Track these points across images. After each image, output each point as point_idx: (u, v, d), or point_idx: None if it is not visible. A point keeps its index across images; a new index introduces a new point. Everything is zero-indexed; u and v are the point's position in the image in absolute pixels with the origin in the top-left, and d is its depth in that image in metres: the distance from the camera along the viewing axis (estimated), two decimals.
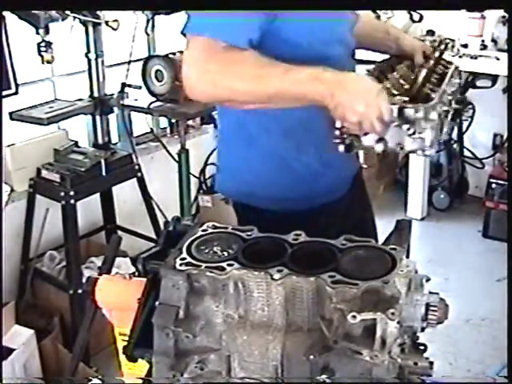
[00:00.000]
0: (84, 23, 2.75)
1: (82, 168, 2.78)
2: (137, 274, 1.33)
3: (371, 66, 1.74)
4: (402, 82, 1.61)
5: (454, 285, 3.49)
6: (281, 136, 1.61)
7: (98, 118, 2.95)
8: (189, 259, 1.19)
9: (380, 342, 1.07)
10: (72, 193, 2.73)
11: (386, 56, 2.08)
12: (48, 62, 2.59)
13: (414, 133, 1.32)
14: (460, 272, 3.60)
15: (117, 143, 3.22)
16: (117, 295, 1.34)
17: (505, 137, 4.07)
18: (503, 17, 3.90)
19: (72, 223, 2.76)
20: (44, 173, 2.84)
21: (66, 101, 2.95)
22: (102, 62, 2.89)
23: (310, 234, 1.25)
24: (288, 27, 1.48)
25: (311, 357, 1.10)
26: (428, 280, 1.14)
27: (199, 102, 3.26)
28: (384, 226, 1.76)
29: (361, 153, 1.46)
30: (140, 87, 3.04)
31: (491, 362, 2.90)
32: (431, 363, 1.14)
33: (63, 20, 2.59)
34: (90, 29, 2.77)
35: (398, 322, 1.07)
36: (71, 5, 2.46)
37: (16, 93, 2.81)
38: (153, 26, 3.22)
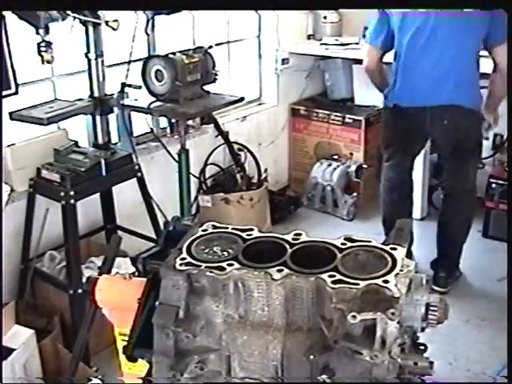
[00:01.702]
0: (84, 23, 2.74)
1: (82, 168, 2.78)
2: (137, 273, 1.33)
3: None
4: None
5: (453, 284, 3.49)
6: None
7: (98, 117, 2.95)
8: (189, 259, 1.19)
9: (380, 342, 1.07)
10: (72, 193, 2.73)
11: None
12: (48, 62, 2.58)
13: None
14: (461, 275, 3.60)
15: (117, 143, 3.22)
16: (117, 295, 1.34)
17: (505, 137, 4.07)
18: None
19: (72, 223, 2.76)
20: (44, 173, 2.84)
21: (66, 101, 2.95)
22: (102, 62, 2.88)
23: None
24: None
25: (311, 357, 1.10)
26: (428, 280, 1.14)
27: (199, 102, 3.36)
28: None
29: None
30: (140, 87, 3.04)
31: (491, 361, 2.90)
32: (431, 363, 1.14)
33: (63, 20, 2.58)
34: (90, 29, 2.77)
35: (398, 322, 1.07)
36: (71, 5, 2.46)
37: (16, 93, 2.81)
38: (153, 26, 3.22)
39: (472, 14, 2.99)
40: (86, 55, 2.85)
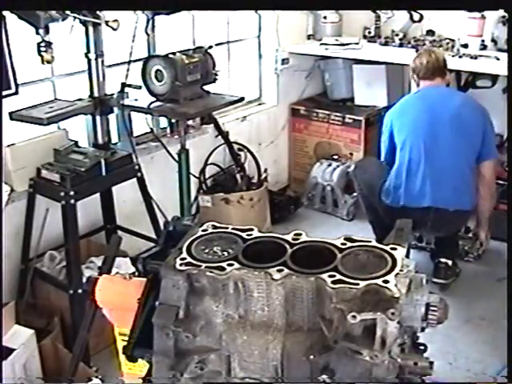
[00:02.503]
0: (84, 23, 2.74)
1: (82, 168, 2.78)
2: (137, 273, 1.33)
3: None
4: None
5: (453, 285, 3.49)
6: None
7: (98, 117, 2.95)
8: (189, 259, 1.19)
9: (380, 342, 1.07)
10: (72, 193, 2.73)
11: None
12: (48, 62, 2.58)
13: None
14: (460, 272, 3.60)
15: (117, 143, 3.22)
16: (117, 295, 1.34)
17: (505, 137, 4.07)
18: (503, 17, 3.90)
19: (72, 223, 2.76)
20: (44, 173, 2.83)
21: (66, 101, 2.94)
22: (102, 62, 2.88)
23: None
24: None
25: (311, 357, 1.10)
26: (428, 280, 1.14)
27: (199, 102, 3.37)
28: None
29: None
30: (140, 87, 3.04)
31: (491, 361, 2.90)
32: (431, 363, 1.14)
33: (63, 20, 2.58)
34: (90, 29, 2.77)
35: (398, 322, 1.07)
36: (71, 5, 2.46)
37: (16, 93, 2.81)
38: (153, 26, 3.22)
39: (470, 128, 3.27)
40: (86, 55, 2.85)
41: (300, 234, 1.25)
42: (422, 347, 1.18)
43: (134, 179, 3.04)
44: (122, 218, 3.32)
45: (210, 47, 3.19)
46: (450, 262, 3.47)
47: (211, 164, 3.98)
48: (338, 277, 1.11)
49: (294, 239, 1.24)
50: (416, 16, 4.23)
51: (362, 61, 4.32)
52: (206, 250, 1.23)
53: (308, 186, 4.41)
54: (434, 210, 3.26)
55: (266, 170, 4.14)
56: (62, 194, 2.73)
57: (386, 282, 1.08)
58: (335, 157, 4.40)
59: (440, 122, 3.26)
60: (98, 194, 3.11)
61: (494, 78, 3.88)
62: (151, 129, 3.51)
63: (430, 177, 3.27)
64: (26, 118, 2.75)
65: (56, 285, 2.91)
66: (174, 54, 3.07)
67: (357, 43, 4.25)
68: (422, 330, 1.14)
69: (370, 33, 4.39)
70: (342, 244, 1.21)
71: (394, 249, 1.18)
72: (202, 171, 3.95)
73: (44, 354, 2.72)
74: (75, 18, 2.65)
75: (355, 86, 4.50)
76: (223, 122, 3.95)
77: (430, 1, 2.63)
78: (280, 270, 1.13)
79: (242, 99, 3.35)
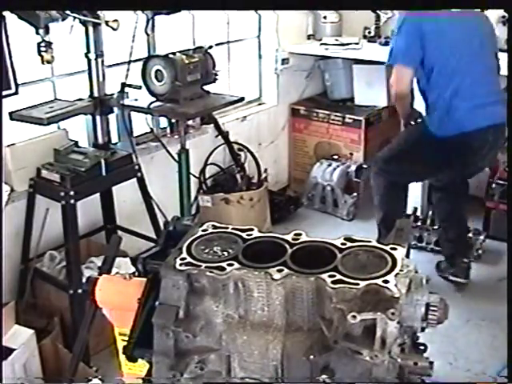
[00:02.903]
0: (84, 23, 2.74)
1: (82, 168, 2.78)
2: (137, 273, 1.33)
3: None
4: None
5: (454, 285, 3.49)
6: None
7: (98, 117, 2.95)
8: (189, 259, 1.19)
9: (380, 342, 1.07)
10: (72, 193, 2.73)
11: None
12: (48, 62, 2.59)
13: None
14: None
15: (117, 143, 3.22)
16: (117, 295, 1.34)
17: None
18: (503, 17, 3.89)
19: (72, 223, 2.76)
20: (44, 173, 2.84)
21: (66, 101, 2.95)
22: (102, 62, 2.89)
23: None
24: None
25: (311, 357, 1.10)
26: (428, 280, 1.14)
27: (199, 102, 3.38)
28: None
29: None
30: (140, 87, 3.04)
31: (491, 361, 2.90)
32: (431, 363, 1.14)
33: (63, 20, 2.58)
34: (90, 29, 2.77)
35: (398, 322, 1.07)
36: (71, 5, 2.46)
37: (16, 93, 2.81)
38: (153, 26, 3.22)
39: (495, 43, 3.23)
40: (86, 55, 2.85)
41: (300, 234, 1.25)
42: (422, 347, 1.18)
43: (134, 179, 3.04)
44: (122, 218, 3.32)
45: (210, 47, 3.19)
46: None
47: (211, 164, 3.98)
48: (338, 277, 1.11)
49: (293, 239, 1.24)
50: None
51: (362, 61, 4.32)
52: (206, 250, 1.23)
53: (308, 186, 4.41)
54: (493, 127, 3.07)
55: (265, 170, 4.14)
56: (62, 193, 2.73)
57: (386, 281, 1.08)
58: (335, 157, 4.40)
59: (480, 43, 3.14)
60: (98, 194, 3.12)
61: None
62: (151, 129, 3.51)
63: (484, 96, 3.09)
64: (26, 118, 2.76)
65: (56, 285, 2.91)
66: (174, 53, 3.08)
67: (357, 43, 4.25)
68: (422, 330, 1.14)
69: (370, 33, 4.39)
70: (342, 244, 1.21)
71: (394, 249, 1.18)
72: (202, 171, 3.95)
73: (44, 354, 2.73)
74: (75, 17, 2.65)
75: (355, 86, 4.50)
76: (223, 122, 3.95)
77: (430, 1, 2.62)
78: (280, 270, 1.13)
79: (242, 99, 3.35)
